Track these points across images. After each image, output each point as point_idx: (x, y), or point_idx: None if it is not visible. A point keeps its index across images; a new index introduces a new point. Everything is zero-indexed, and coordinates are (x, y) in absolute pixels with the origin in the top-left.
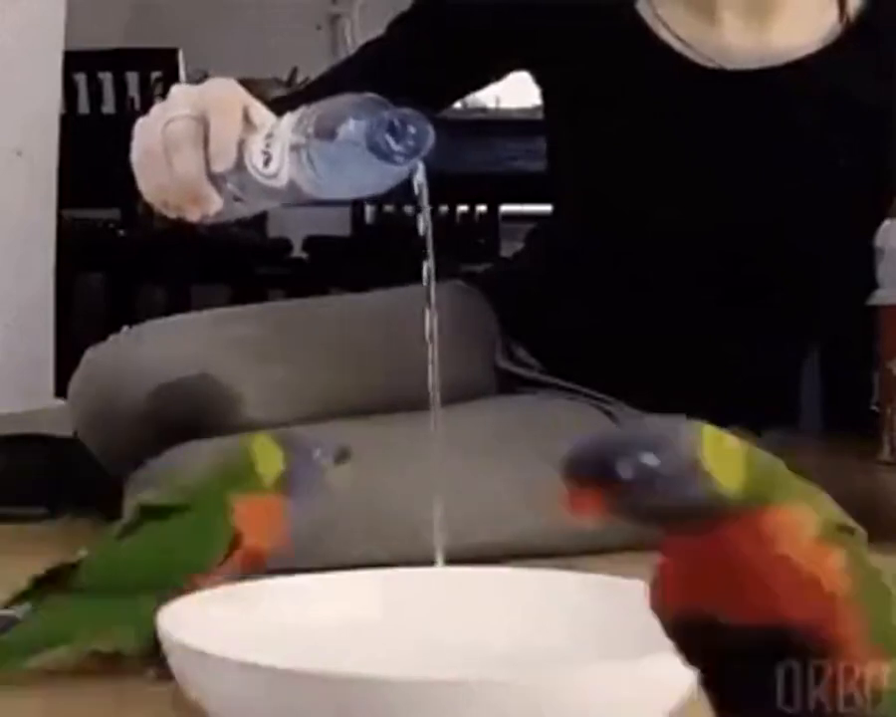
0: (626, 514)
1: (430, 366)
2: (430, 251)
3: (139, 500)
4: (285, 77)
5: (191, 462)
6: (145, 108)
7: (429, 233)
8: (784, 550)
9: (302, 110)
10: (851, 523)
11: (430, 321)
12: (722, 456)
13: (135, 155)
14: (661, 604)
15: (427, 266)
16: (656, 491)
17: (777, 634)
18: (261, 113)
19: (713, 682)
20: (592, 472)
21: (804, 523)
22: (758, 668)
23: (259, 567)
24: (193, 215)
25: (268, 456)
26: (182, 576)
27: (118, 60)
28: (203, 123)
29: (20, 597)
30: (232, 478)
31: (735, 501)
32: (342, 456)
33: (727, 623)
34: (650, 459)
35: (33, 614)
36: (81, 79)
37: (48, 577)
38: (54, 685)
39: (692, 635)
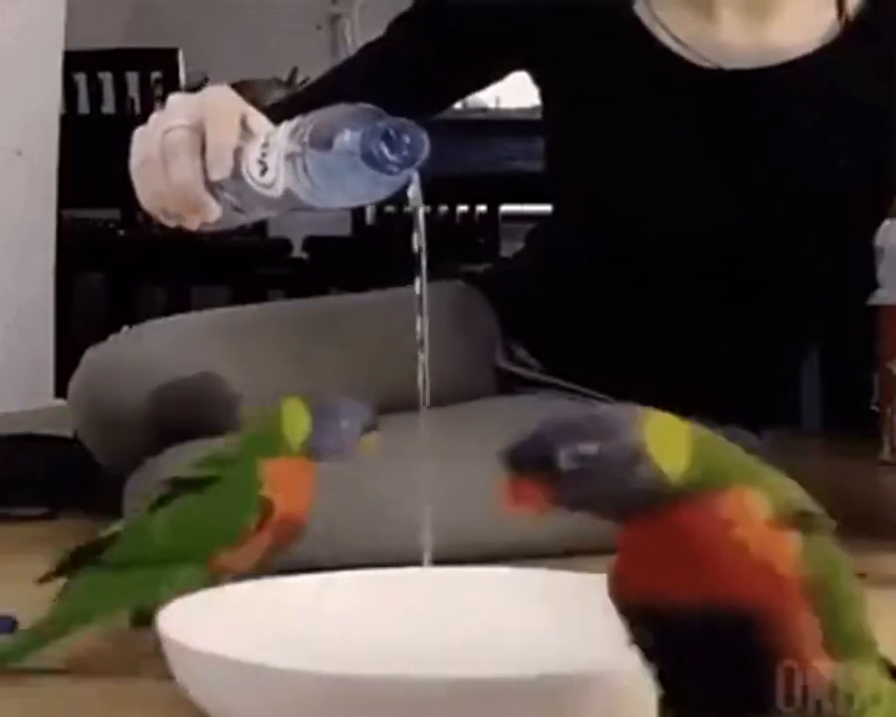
0: (568, 504)
1: (420, 379)
2: (423, 269)
3: (172, 475)
4: (285, 77)
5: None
6: (145, 108)
7: (423, 254)
8: (737, 532)
9: (298, 119)
10: (816, 509)
11: (422, 326)
12: (666, 441)
13: (134, 164)
14: (619, 592)
15: (419, 281)
16: (596, 479)
17: (729, 616)
18: (258, 121)
19: (670, 674)
20: (532, 463)
21: (757, 506)
22: (712, 653)
23: (294, 536)
24: (192, 224)
25: (296, 420)
26: (216, 546)
27: (118, 60)
28: (200, 132)
29: (58, 571)
30: (261, 443)
31: (681, 485)
32: (370, 428)
33: (680, 606)
34: (590, 447)
35: (69, 589)
36: (81, 79)
37: (83, 550)
38: (52, 684)
39: (648, 621)
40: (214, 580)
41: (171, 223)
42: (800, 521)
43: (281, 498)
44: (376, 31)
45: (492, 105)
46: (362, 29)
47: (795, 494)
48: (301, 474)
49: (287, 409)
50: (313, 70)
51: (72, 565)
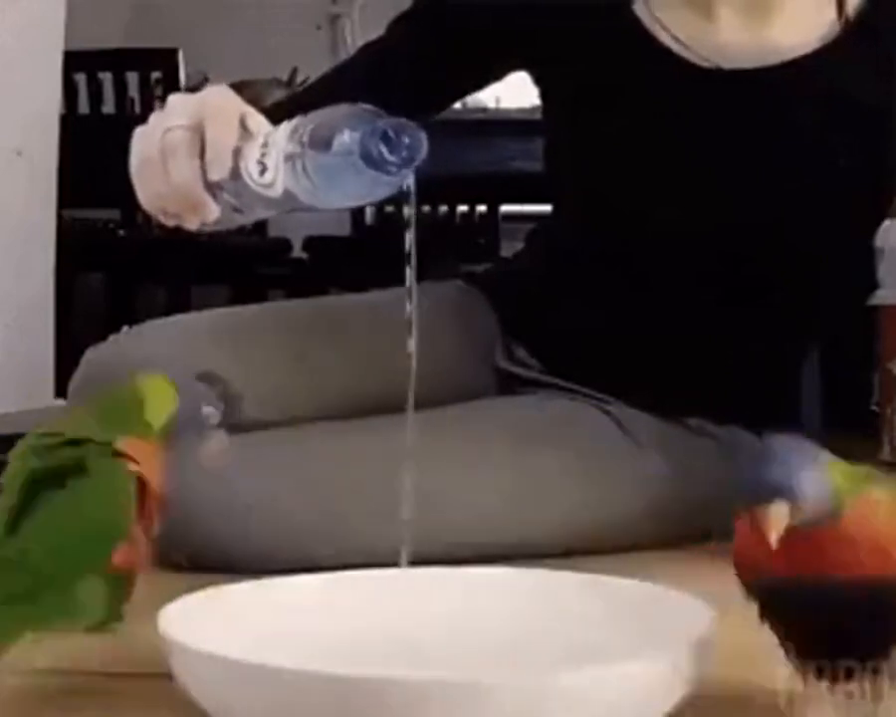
0: None
1: (410, 385)
2: (413, 263)
3: (27, 466)
4: (285, 77)
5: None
6: (145, 108)
7: (413, 249)
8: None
9: (297, 119)
10: None
11: (412, 315)
12: None
13: (134, 164)
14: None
15: (410, 275)
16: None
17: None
18: (257, 121)
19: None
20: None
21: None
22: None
23: (162, 513)
24: (191, 224)
25: (159, 400)
26: (106, 545)
27: (118, 60)
28: (200, 132)
29: None
30: (119, 423)
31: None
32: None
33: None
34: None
35: None
36: (81, 79)
37: None
38: (51, 684)
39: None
40: (116, 581)
41: (171, 223)
42: None
43: (146, 474)
44: (376, 31)
45: (492, 105)
46: (362, 29)
47: None
48: (154, 450)
49: (150, 388)
50: (313, 70)
51: None
